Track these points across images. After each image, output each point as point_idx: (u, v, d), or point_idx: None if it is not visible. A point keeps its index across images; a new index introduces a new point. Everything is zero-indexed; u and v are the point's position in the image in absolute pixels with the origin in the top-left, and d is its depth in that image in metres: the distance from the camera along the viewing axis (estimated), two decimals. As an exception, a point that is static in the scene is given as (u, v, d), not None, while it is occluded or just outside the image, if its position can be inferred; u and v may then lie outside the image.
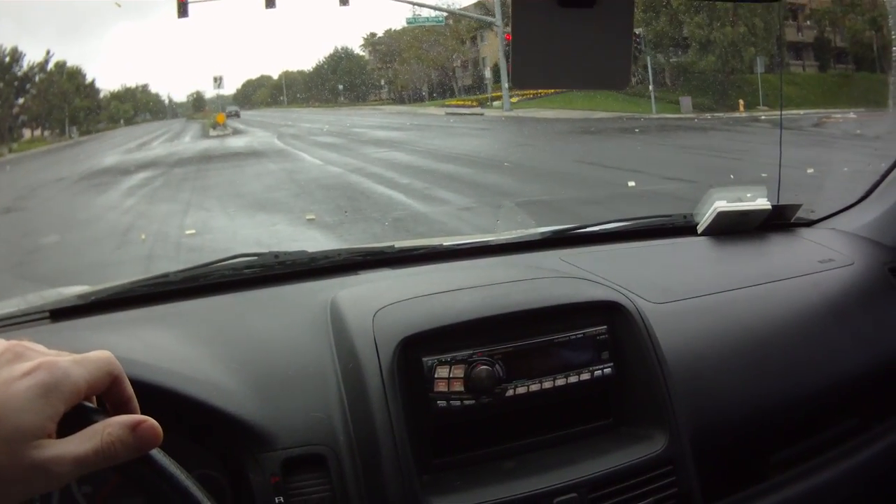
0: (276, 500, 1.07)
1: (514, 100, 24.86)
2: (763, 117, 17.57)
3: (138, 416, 0.65)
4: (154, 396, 0.92)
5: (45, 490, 0.62)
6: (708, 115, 19.70)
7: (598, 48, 0.92)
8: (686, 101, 20.64)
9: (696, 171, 9.95)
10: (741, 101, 20.17)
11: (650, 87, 20.18)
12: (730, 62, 20.68)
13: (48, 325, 1.38)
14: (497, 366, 1.17)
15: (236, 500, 1.13)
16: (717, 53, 20.68)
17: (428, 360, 1.16)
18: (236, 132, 30.28)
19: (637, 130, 17.43)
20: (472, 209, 8.52)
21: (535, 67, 0.94)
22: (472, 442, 1.20)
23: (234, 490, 1.14)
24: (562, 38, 0.91)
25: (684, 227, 1.84)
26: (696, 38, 20.98)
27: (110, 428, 0.63)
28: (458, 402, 1.16)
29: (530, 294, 1.30)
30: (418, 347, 1.16)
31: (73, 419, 0.63)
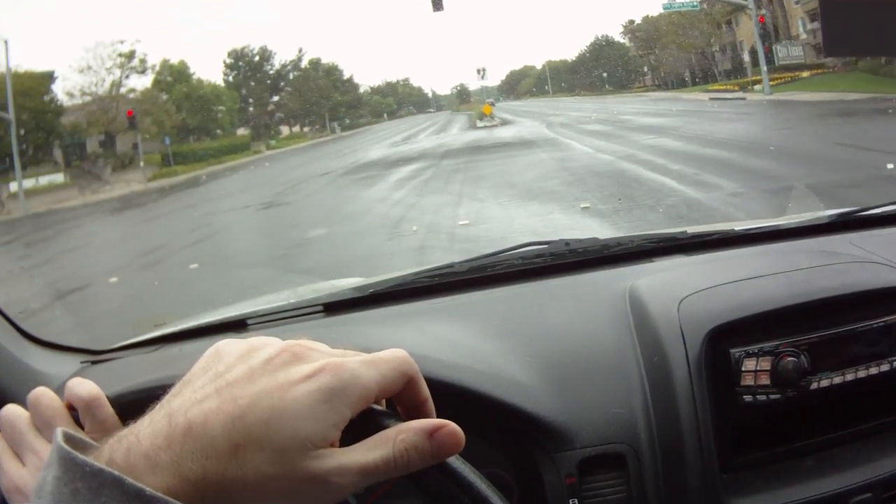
0: (570, 503, 1.02)
1: (773, 83, 24.84)
2: None
3: (436, 421, 0.56)
4: (446, 395, 0.85)
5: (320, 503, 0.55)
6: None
7: None
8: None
9: (952, 152, 9.41)
10: None
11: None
12: None
13: (322, 319, 1.38)
14: (802, 357, 1.08)
15: (523, 501, 1.11)
16: None
17: (735, 351, 1.08)
18: (504, 123, 30.90)
19: (890, 111, 16.63)
20: (741, 194, 8.38)
21: (850, 33, 0.87)
22: (772, 438, 1.12)
23: (521, 489, 1.11)
24: None
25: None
26: None
27: (404, 434, 0.54)
28: (763, 397, 1.07)
29: (833, 280, 1.19)
30: (726, 338, 1.09)
31: (360, 424, 0.55)
